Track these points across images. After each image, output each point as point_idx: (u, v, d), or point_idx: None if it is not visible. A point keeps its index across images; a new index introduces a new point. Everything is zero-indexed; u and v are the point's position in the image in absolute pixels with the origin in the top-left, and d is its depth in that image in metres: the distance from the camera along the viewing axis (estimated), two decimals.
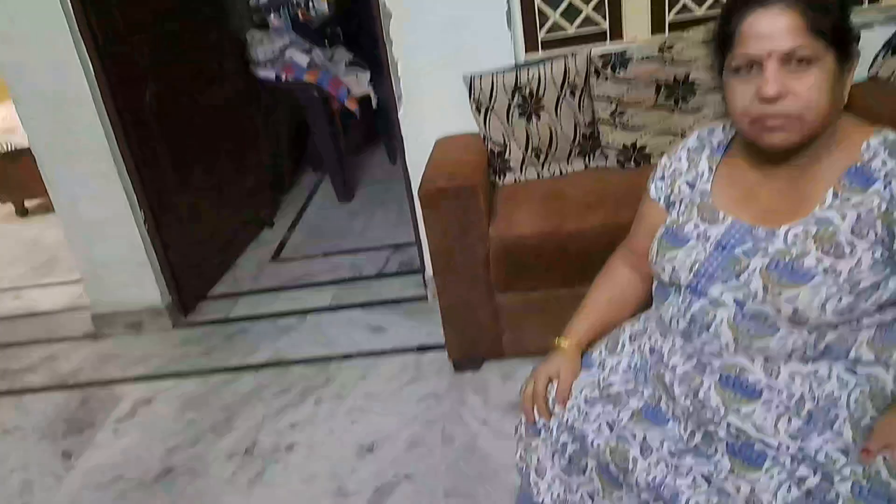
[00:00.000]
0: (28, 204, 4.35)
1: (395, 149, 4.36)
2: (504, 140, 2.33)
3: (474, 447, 1.87)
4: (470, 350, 2.20)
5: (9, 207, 4.32)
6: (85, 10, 2.43)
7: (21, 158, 4.11)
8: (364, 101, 4.03)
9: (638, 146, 2.29)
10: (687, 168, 1.18)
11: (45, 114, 2.50)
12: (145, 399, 2.33)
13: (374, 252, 3.18)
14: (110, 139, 2.55)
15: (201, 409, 2.23)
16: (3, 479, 2.05)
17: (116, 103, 2.55)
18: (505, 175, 2.38)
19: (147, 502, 1.88)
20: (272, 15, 4.30)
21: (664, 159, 1.23)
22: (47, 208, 4.37)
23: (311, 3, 4.83)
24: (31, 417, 2.32)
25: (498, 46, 2.35)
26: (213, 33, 3.30)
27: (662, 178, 1.22)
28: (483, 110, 2.32)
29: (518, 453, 1.27)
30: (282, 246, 3.44)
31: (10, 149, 4.10)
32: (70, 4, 2.39)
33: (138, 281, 2.72)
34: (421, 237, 2.65)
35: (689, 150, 1.19)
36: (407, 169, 2.56)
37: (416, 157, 2.47)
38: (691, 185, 1.16)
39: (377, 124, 4.35)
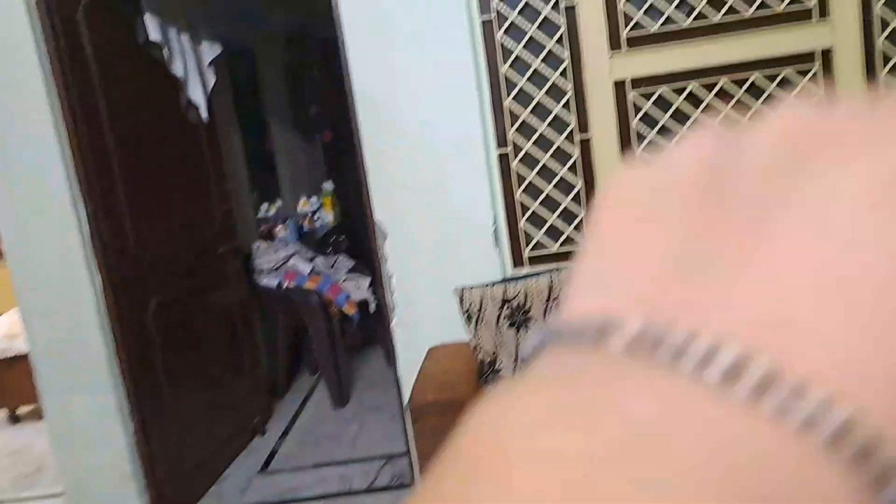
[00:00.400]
0: (20, 411, 4.32)
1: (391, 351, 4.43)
2: (494, 350, 2.39)
3: None
4: None
5: (1, 413, 4.28)
6: (98, 227, 2.60)
7: (18, 364, 4.16)
8: (363, 304, 4.15)
9: None
10: None
11: (48, 322, 2.58)
12: None
13: (366, 463, 3.11)
14: (109, 350, 2.61)
15: None
16: None
17: (120, 317, 2.64)
18: (495, 385, 2.40)
19: None
20: (279, 226, 4.56)
21: None
22: (39, 415, 4.33)
23: (316, 214, 5.13)
24: None
25: (486, 262, 2.48)
26: (220, 247, 3.48)
27: None
28: (473, 321, 2.40)
29: None
30: (272, 455, 3.36)
31: (9, 355, 4.15)
32: (88, 224, 2.56)
33: (121, 495, 2.64)
34: (412, 449, 2.61)
35: None
36: (398, 378, 2.59)
37: (409, 366, 2.51)
38: None
39: (375, 327, 4.44)
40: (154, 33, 2.97)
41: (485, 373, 2.40)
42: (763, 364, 0.15)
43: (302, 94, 5.81)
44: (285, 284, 4.01)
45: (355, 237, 5.09)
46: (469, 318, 2.41)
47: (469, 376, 2.28)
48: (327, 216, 5.25)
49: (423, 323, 2.54)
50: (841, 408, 0.14)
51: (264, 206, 4.88)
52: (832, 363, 0.15)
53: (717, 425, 0.14)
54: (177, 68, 3.14)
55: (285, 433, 3.61)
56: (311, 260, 4.28)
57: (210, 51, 3.42)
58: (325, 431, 3.55)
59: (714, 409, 0.15)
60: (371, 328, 4.52)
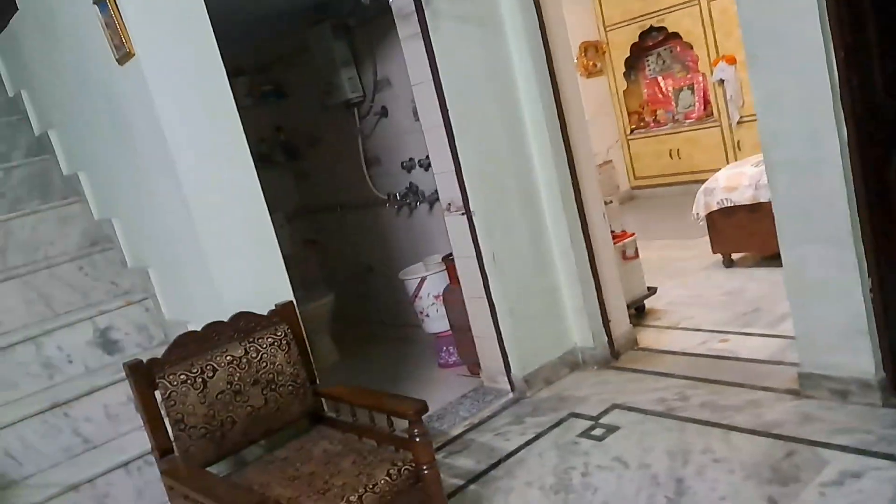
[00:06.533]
0: (735, 257, 4.76)
1: None
2: None
3: None
4: None
5: (717, 258, 4.81)
6: (848, 75, 2.50)
7: (735, 214, 4.53)
8: None
9: None
10: None
11: (791, 175, 2.67)
12: (854, 472, 2.25)
13: None
14: (851, 204, 2.56)
15: None
16: (714, 502, 2.29)
17: (864, 171, 2.54)
18: None
19: None
20: None
21: None
22: (749, 263, 4.69)
23: None
24: (738, 454, 2.52)
25: None
26: None
27: None
28: None
29: None
30: None
31: (726, 205, 4.56)
32: (837, 73, 2.49)
33: (852, 349, 2.65)
34: None
35: None
36: None
37: None
38: None
39: None
40: None
41: None
42: None
43: None
44: None
45: None
46: None
47: None
48: None
49: None
50: None
51: None
52: None
53: None
54: None
55: None
56: None
57: None
58: None
59: None
60: None
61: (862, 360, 2.64)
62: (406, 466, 2.19)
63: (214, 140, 2.57)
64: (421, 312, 4.06)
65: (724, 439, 2.64)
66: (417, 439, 2.20)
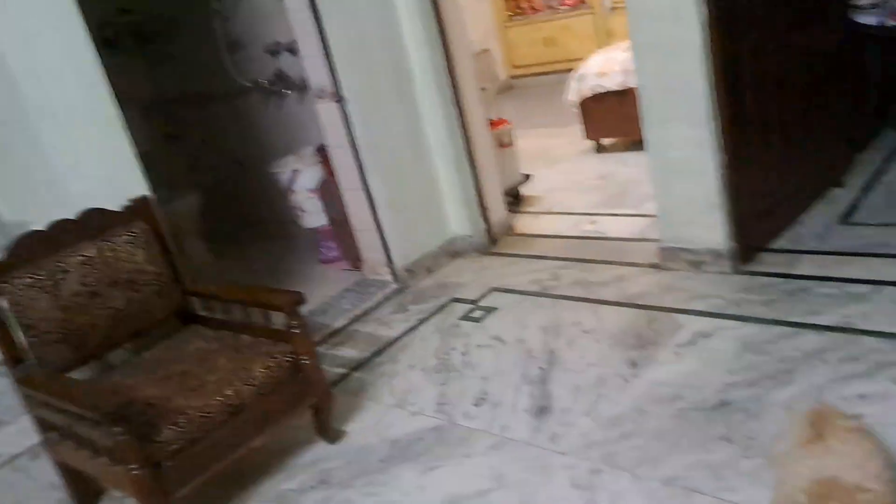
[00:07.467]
0: (604, 142, 4.90)
1: None
2: None
3: None
4: None
5: (589, 144, 4.93)
6: None
7: (605, 101, 4.63)
8: None
9: None
10: None
11: (655, 56, 2.72)
12: (705, 332, 2.45)
13: None
14: (709, 83, 2.65)
15: (761, 355, 2.25)
16: (582, 369, 2.44)
17: (722, 50, 2.62)
18: None
19: (703, 427, 2.01)
20: None
21: None
22: (620, 148, 4.85)
23: None
24: (605, 325, 2.68)
25: None
26: None
27: None
28: None
29: None
30: (853, 208, 3.14)
31: (599, 92, 4.64)
32: None
33: (706, 222, 2.83)
34: None
35: None
36: None
37: None
38: None
39: None
40: None
41: None
42: None
43: None
44: (887, 23, 3.44)
45: None
46: None
47: None
48: None
49: None
50: None
51: None
52: None
53: None
54: None
55: (867, 188, 3.30)
56: None
57: None
58: None
59: None
60: None
61: (715, 232, 2.83)
62: (285, 358, 2.17)
63: (43, 19, 2.28)
64: (297, 208, 3.95)
65: (592, 312, 2.79)
66: (295, 330, 2.18)
